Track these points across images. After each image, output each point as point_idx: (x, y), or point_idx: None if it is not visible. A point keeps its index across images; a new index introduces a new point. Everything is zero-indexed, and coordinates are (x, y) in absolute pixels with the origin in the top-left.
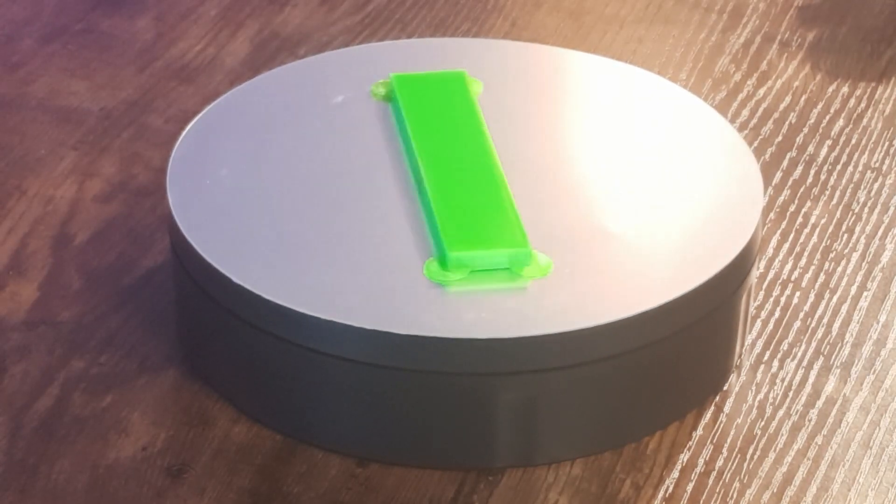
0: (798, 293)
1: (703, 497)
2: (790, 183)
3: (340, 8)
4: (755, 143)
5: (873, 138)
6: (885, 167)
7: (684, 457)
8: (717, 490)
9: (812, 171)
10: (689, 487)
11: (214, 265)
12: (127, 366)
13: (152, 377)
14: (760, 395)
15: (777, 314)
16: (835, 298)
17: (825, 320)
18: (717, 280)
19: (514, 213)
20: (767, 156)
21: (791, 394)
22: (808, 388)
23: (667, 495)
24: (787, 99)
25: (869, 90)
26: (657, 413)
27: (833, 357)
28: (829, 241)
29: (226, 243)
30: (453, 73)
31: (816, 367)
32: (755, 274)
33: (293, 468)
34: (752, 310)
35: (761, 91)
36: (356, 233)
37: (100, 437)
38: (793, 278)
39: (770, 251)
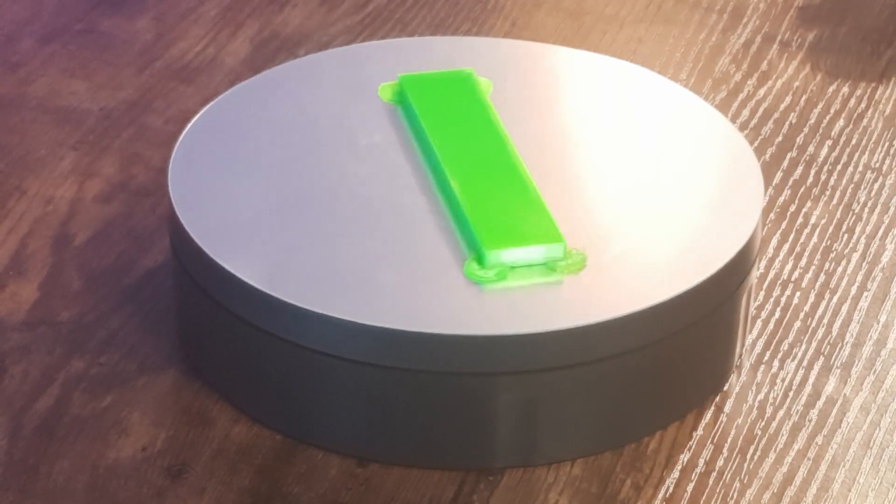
0: (798, 293)
1: (704, 497)
2: (790, 183)
3: (340, 8)
4: (755, 143)
5: (873, 138)
6: (885, 167)
7: (684, 457)
8: (718, 490)
9: (812, 171)
10: (690, 487)
11: (215, 264)
12: (127, 366)
13: (152, 377)
14: (760, 396)
15: (777, 314)
16: (835, 298)
17: (825, 320)
18: (717, 280)
19: (545, 208)
20: (767, 156)
21: (791, 394)
22: (808, 389)
23: (667, 495)
24: (788, 99)
25: (869, 90)
26: (657, 413)
27: (833, 357)
28: (829, 241)
29: (226, 243)
30: (461, 72)
31: (816, 367)
32: (755, 274)
33: (293, 468)
34: (752, 310)
35: (761, 91)
36: (357, 232)
37: (100, 437)
38: (793, 278)
39: (770, 251)
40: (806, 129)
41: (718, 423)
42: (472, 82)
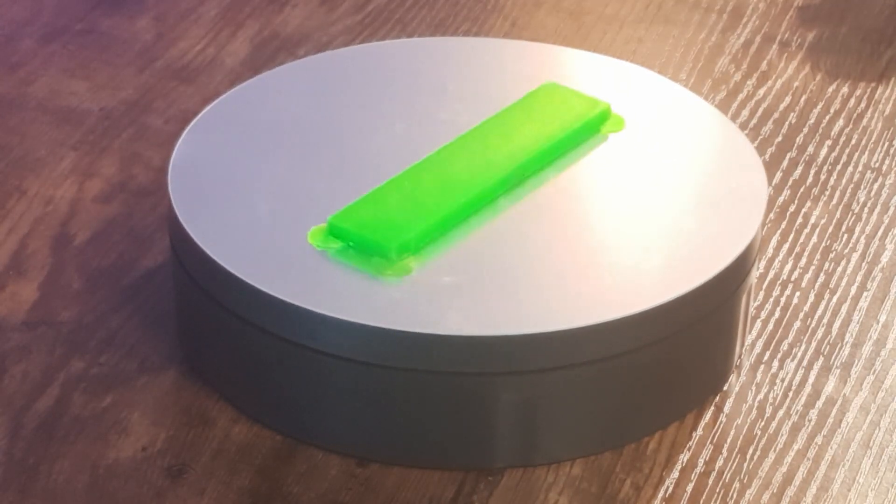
0: (798, 293)
1: (703, 497)
2: (790, 183)
3: (340, 8)
4: (755, 143)
5: (873, 138)
6: (885, 167)
7: (684, 457)
8: (717, 490)
9: (812, 171)
10: (689, 487)
11: (215, 264)
12: (127, 366)
13: (152, 377)
14: (760, 396)
15: (777, 314)
16: (835, 298)
17: (825, 320)
18: (717, 280)
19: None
20: (767, 156)
21: (791, 394)
22: (808, 389)
23: (667, 495)
24: (787, 99)
25: (869, 90)
26: (657, 413)
27: (833, 357)
28: (829, 241)
29: (227, 241)
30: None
31: (816, 367)
32: (755, 274)
33: (293, 468)
34: (752, 310)
35: (761, 91)
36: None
37: (100, 437)
38: (793, 278)
39: (770, 251)
40: (806, 129)
41: (718, 423)
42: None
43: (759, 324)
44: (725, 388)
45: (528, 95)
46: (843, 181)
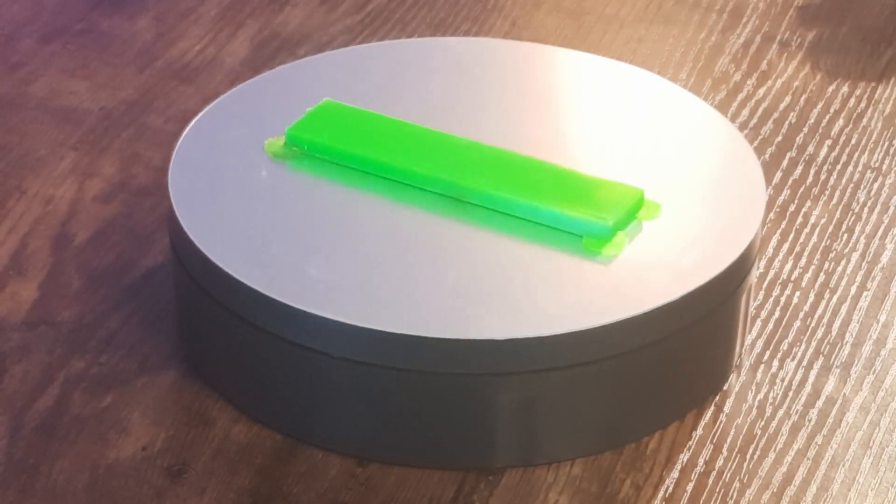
0: (798, 293)
1: (703, 497)
2: (790, 183)
3: (340, 8)
4: (755, 143)
5: (873, 138)
6: (885, 167)
7: (684, 457)
8: (717, 490)
9: (812, 171)
10: (689, 487)
11: (215, 264)
12: (127, 366)
13: (152, 377)
14: (760, 395)
15: (777, 314)
16: (835, 298)
17: (825, 320)
18: (717, 280)
19: (589, 175)
20: (767, 156)
21: (791, 394)
22: (808, 388)
23: (667, 495)
24: (787, 99)
25: (869, 90)
26: (657, 413)
27: (833, 357)
28: (829, 241)
29: (227, 241)
30: (326, 104)
31: (816, 367)
32: (755, 274)
33: (293, 468)
34: (752, 310)
35: (761, 91)
36: (358, 231)
37: (100, 437)
38: (793, 278)
39: (770, 251)
40: (806, 129)
41: (718, 422)
42: (343, 107)
43: (759, 324)
44: (725, 387)
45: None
46: (843, 181)
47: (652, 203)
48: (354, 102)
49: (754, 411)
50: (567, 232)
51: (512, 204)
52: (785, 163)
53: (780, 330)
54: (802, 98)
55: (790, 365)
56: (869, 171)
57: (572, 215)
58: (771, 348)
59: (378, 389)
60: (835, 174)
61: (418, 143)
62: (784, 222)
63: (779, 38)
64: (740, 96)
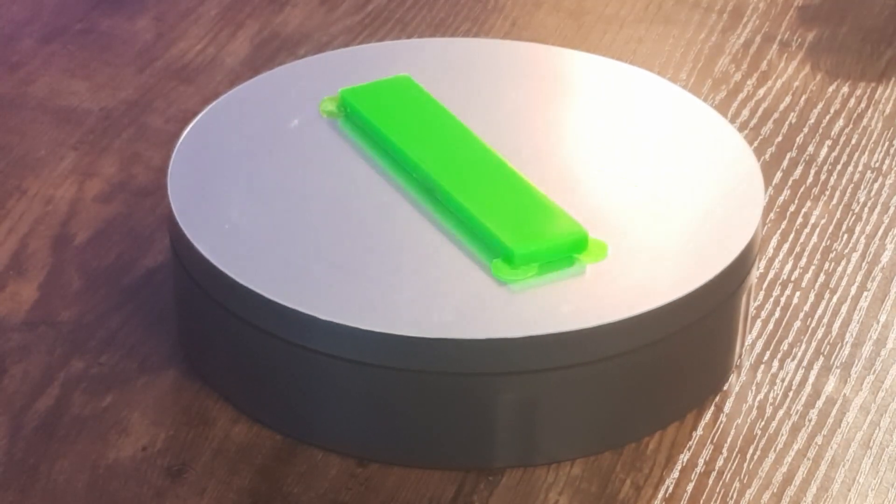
0: (798, 293)
1: (703, 497)
2: (790, 183)
3: (340, 8)
4: (755, 143)
5: (873, 138)
6: (885, 167)
7: (684, 457)
8: (717, 490)
9: (812, 171)
10: (689, 487)
11: (215, 264)
12: (127, 366)
13: (152, 377)
14: (760, 395)
15: (777, 314)
16: (835, 298)
17: (825, 320)
18: (717, 280)
19: (551, 202)
20: (767, 156)
21: (791, 394)
22: (808, 388)
23: (667, 495)
24: (787, 99)
25: (869, 90)
26: (657, 413)
27: (833, 357)
28: (829, 241)
29: (226, 242)
30: (400, 78)
31: (816, 367)
32: (755, 274)
33: (293, 468)
34: (752, 310)
35: (761, 91)
36: (357, 232)
37: (100, 437)
38: (793, 278)
39: (770, 251)
40: (806, 129)
41: (718, 422)
42: (414, 86)
43: (759, 324)
44: (725, 387)
45: None
46: (843, 181)
47: (598, 244)
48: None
49: (754, 411)
50: (486, 248)
51: (458, 205)
52: (785, 163)
53: (780, 330)
54: (802, 98)
55: (790, 365)
56: (869, 172)
57: (493, 233)
58: (771, 348)
59: (378, 389)
60: (835, 174)
61: (443, 140)
62: (784, 222)
63: (779, 38)
64: (740, 96)
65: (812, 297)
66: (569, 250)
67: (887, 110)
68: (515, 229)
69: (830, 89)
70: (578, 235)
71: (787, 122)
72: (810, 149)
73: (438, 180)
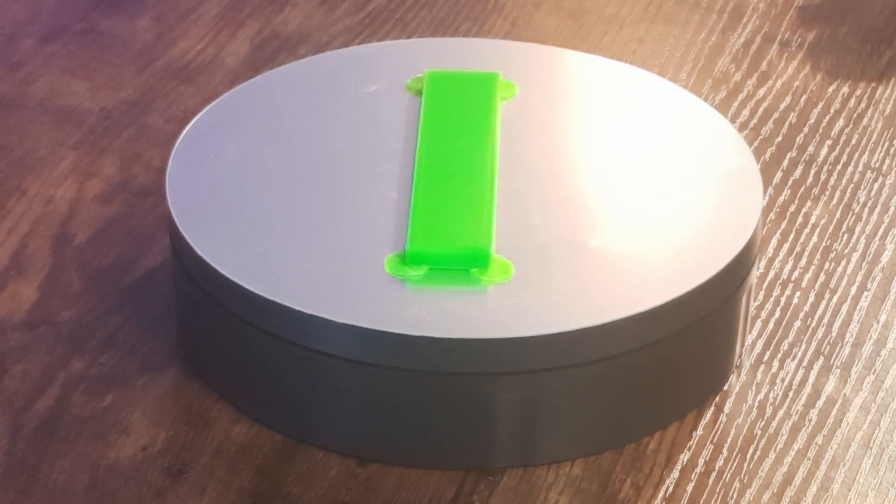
0: (798, 293)
1: (703, 497)
2: (790, 183)
3: (340, 8)
4: (755, 143)
5: (873, 138)
6: (885, 167)
7: (684, 457)
8: (717, 490)
9: (812, 171)
10: (689, 487)
11: (214, 265)
12: (127, 366)
13: (152, 377)
14: (760, 395)
15: (777, 314)
16: (835, 298)
17: (825, 320)
18: (717, 280)
19: (488, 214)
20: (767, 156)
21: (791, 394)
22: (808, 388)
23: (667, 495)
24: (787, 99)
25: (869, 90)
26: (657, 413)
27: (833, 357)
28: (829, 241)
29: (225, 243)
30: (487, 74)
31: (816, 367)
32: (755, 274)
33: (293, 468)
34: (752, 310)
35: (761, 91)
36: (357, 233)
37: (100, 437)
38: (793, 278)
39: (770, 251)
40: (806, 129)
41: (718, 422)
42: (492, 84)
43: (759, 324)
44: (725, 387)
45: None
46: (843, 181)
47: (502, 263)
48: (354, 102)
49: (754, 411)
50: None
51: (412, 201)
52: (785, 163)
53: (780, 330)
54: (803, 98)
55: (790, 365)
56: (869, 172)
57: (409, 229)
58: (771, 348)
59: (378, 389)
60: (835, 174)
61: (460, 141)
62: (784, 222)
63: (779, 38)
64: (740, 96)
65: (812, 297)
66: (465, 262)
67: (887, 110)
68: (426, 231)
69: (830, 89)
70: (478, 251)
71: (787, 122)
72: (810, 149)
73: (417, 176)
